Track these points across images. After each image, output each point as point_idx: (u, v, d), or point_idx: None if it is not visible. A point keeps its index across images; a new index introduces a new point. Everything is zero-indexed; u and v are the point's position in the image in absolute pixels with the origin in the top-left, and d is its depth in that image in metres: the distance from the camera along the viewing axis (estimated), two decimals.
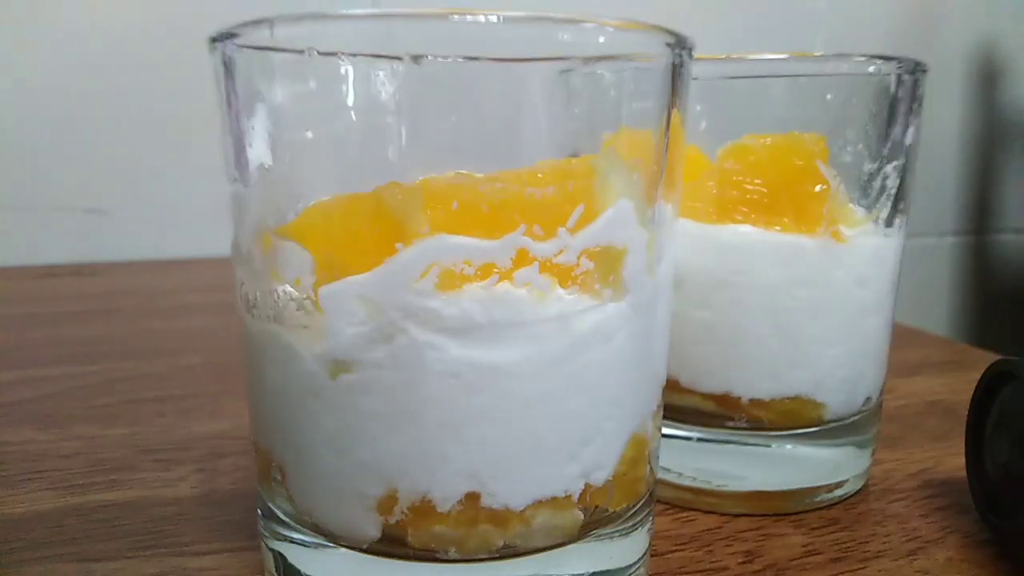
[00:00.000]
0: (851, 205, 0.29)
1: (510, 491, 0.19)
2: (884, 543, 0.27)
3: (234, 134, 0.20)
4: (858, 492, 0.30)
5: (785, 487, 0.29)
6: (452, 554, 0.20)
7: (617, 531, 0.22)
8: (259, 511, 0.23)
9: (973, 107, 1.02)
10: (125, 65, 0.72)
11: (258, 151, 0.20)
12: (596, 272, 0.19)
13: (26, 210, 0.71)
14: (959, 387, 0.42)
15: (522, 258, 0.18)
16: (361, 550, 0.20)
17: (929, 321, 0.99)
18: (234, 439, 0.34)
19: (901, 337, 0.38)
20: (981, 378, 0.28)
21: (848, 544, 0.27)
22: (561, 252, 0.19)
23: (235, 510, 0.28)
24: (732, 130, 0.29)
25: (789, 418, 0.29)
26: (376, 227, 0.18)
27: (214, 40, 0.19)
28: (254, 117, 0.19)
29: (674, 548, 0.26)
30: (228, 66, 0.19)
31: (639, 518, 0.22)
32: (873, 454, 0.31)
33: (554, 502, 0.20)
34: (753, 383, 0.28)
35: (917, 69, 0.28)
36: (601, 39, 0.20)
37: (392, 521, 0.19)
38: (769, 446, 0.29)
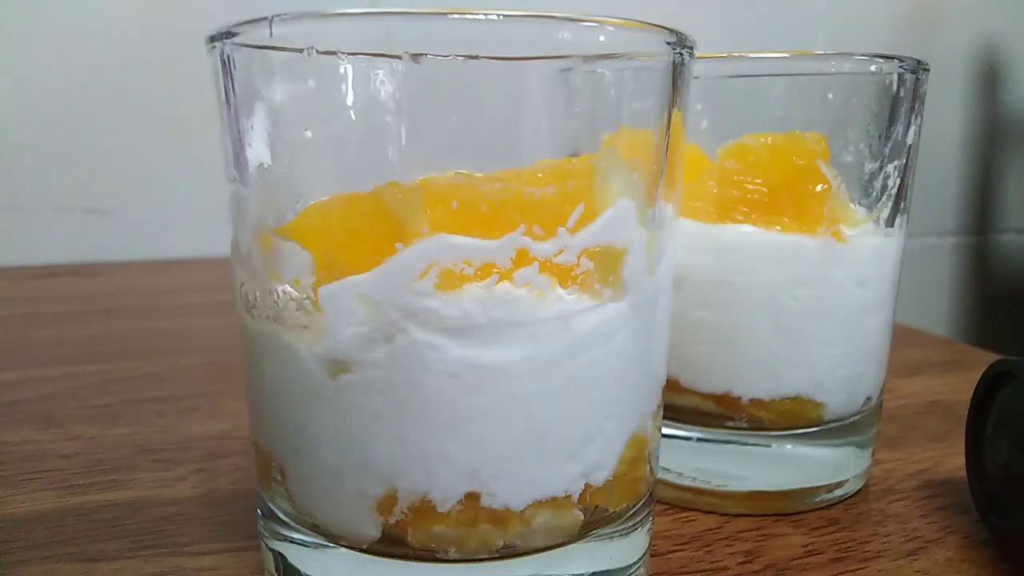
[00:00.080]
0: (852, 205, 0.29)
1: (510, 491, 0.19)
2: (884, 543, 0.27)
3: (233, 134, 0.20)
4: (858, 492, 0.30)
5: (785, 487, 0.29)
6: (452, 554, 0.20)
7: (617, 531, 0.22)
8: (259, 511, 0.23)
9: (974, 107, 1.02)
10: (125, 65, 0.72)
11: (257, 151, 0.20)
12: (596, 272, 0.19)
13: (26, 210, 0.71)
14: (959, 387, 0.42)
15: (522, 258, 0.18)
16: (361, 550, 0.20)
17: (929, 321, 0.99)
18: (234, 439, 0.34)
19: (901, 337, 0.38)
20: (981, 378, 0.28)
21: (848, 544, 0.27)
22: (561, 252, 0.19)
23: (235, 510, 0.28)
24: (733, 129, 0.29)
25: (789, 418, 0.29)
26: (376, 227, 0.18)
27: (213, 39, 0.19)
28: (253, 116, 0.19)
29: (674, 548, 0.26)
30: (227, 65, 0.19)
31: (639, 518, 0.22)
32: (873, 454, 0.31)
33: (554, 502, 0.20)
34: (753, 383, 0.28)
35: (919, 68, 0.28)
36: (601, 38, 0.20)
37: (392, 521, 0.19)
38: (769, 446, 0.29)
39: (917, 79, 0.28)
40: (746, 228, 0.28)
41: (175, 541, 0.26)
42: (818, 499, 0.29)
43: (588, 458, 0.20)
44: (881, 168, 0.29)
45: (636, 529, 0.22)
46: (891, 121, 0.28)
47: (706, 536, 0.27)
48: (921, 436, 0.36)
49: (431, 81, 0.18)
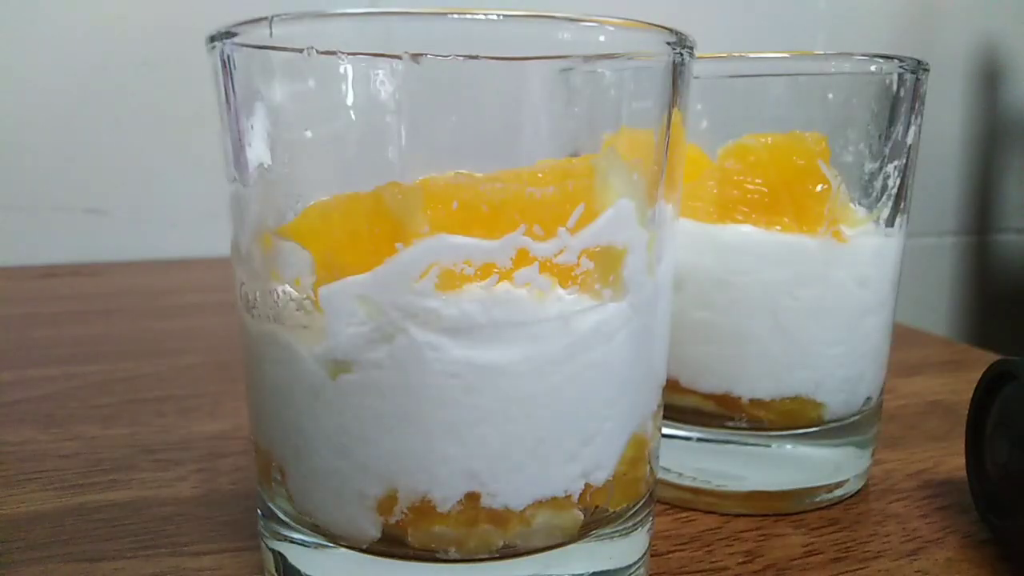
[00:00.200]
0: (852, 205, 0.29)
1: (510, 491, 0.19)
2: (884, 543, 0.27)
3: (233, 134, 0.20)
4: (858, 492, 0.30)
5: (785, 487, 0.29)
6: (452, 554, 0.20)
7: (617, 531, 0.22)
8: (259, 511, 0.23)
9: (974, 107, 1.02)
10: (125, 65, 0.72)
11: (257, 151, 0.20)
12: (596, 272, 0.19)
13: (26, 210, 0.71)
14: (959, 387, 0.42)
15: (522, 258, 0.18)
16: (361, 550, 0.20)
17: (929, 321, 0.99)
18: (234, 439, 0.34)
19: (901, 337, 0.38)
20: (981, 378, 0.28)
21: (848, 544, 0.27)
22: (561, 252, 0.19)
23: (235, 510, 0.28)
24: (733, 129, 0.29)
25: (789, 418, 0.29)
26: (376, 227, 0.18)
27: (213, 39, 0.19)
28: (253, 116, 0.19)
29: (674, 548, 0.26)
30: (227, 65, 0.19)
31: (639, 518, 0.22)
32: (873, 454, 0.31)
33: (554, 502, 0.20)
34: (753, 383, 0.28)
35: (919, 68, 0.28)
36: (601, 38, 0.20)
37: (392, 521, 0.19)
38: (769, 446, 0.29)
39: (917, 79, 0.28)
40: (746, 228, 0.28)
41: (175, 541, 0.26)
42: (818, 499, 0.29)
43: (588, 458, 0.20)
44: (881, 168, 0.29)
45: (636, 529, 0.22)
46: (891, 121, 0.28)
47: (706, 536, 0.27)
48: (921, 436, 0.36)
49: (431, 81, 0.18)
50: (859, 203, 0.29)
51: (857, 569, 0.25)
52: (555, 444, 0.20)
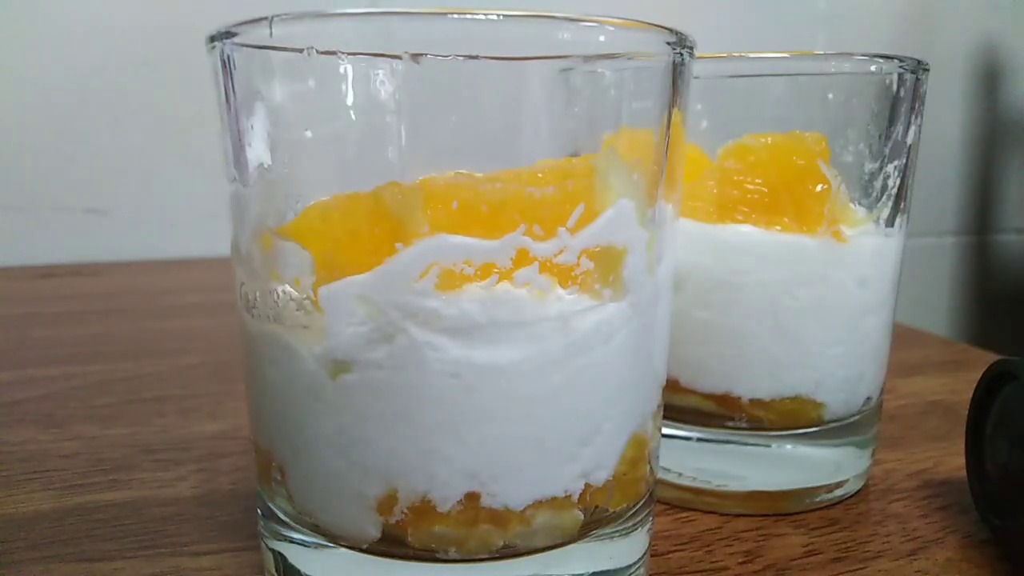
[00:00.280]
0: (852, 205, 0.29)
1: (510, 491, 0.19)
2: (884, 543, 0.27)
3: (233, 134, 0.20)
4: (858, 492, 0.30)
5: (785, 487, 0.29)
6: (452, 554, 0.20)
7: (617, 531, 0.22)
8: (259, 511, 0.23)
9: (974, 107, 1.02)
10: (125, 65, 0.72)
11: (257, 151, 0.20)
12: (596, 272, 0.19)
13: (26, 210, 0.71)
14: (959, 387, 0.42)
15: (522, 258, 0.18)
16: (361, 550, 0.20)
17: (929, 321, 0.99)
18: (234, 439, 0.34)
19: (901, 337, 0.38)
20: (981, 378, 0.28)
21: (848, 544, 0.27)
22: (561, 252, 0.19)
23: (235, 510, 0.28)
24: (733, 129, 0.29)
25: (789, 418, 0.29)
26: (376, 227, 0.18)
27: (213, 39, 0.19)
28: (253, 116, 0.19)
29: (674, 548, 0.26)
30: (227, 65, 0.19)
31: (639, 518, 0.22)
32: (873, 454, 0.31)
33: (554, 502, 0.20)
34: (753, 383, 0.28)
35: (919, 68, 0.28)
36: (601, 38, 0.20)
37: (392, 521, 0.19)
38: (769, 446, 0.29)
39: (917, 79, 0.28)
40: (746, 228, 0.28)
41: (175, 541, 0.26)
42: (818, 499, 0.29)
43: (588, 458, 0.20)
44: (881, 168, 0.29)
45: (636, 529, 0.22)
46: (891, 121, 0.28)
47: (706, 536, 0.27)
48: (921, 436, 0.36)
49: (431, 81, 0.18)
50: (859, 203, 0.29)
51: (857, 569, 0.25)
52: (555, 444, 0.20)
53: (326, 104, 0.19)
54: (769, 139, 0.28)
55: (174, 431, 0.35)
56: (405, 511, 0.19)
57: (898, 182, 0.29)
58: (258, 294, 0.20)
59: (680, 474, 0.29)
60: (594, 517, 0.21)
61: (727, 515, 0.28)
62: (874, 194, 0.29)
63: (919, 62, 0.28)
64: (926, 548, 0.27)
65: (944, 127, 1.00)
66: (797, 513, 0.29)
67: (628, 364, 0.21)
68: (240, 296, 0.21)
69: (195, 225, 0.73)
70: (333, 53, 0.17)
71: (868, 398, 0.30)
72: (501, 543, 0.20)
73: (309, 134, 0.20)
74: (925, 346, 0.53)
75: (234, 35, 0.19)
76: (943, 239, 1.04)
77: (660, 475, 0.28)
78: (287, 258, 0.19)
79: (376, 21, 0.19)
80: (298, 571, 0.21)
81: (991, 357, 0.34)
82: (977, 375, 0.28)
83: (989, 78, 1.01)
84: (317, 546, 0.21)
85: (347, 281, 0.18)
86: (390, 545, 0.20)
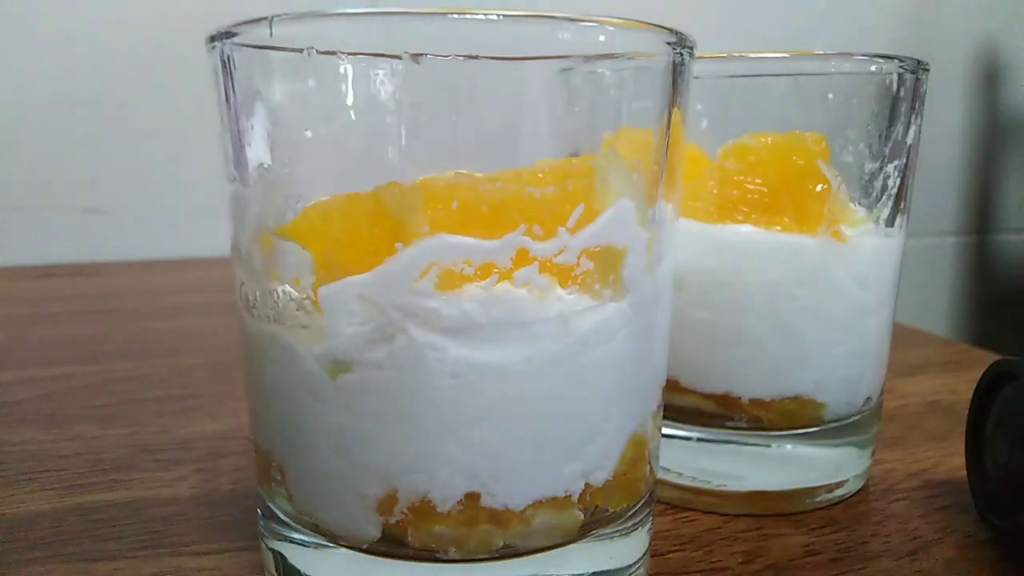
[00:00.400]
0: (852, 205, 0.29)
1: (510, 491, 0.19)
2: (884, 543, 0.27)
3: (233, 134, 0.20)
4: (858, 492, 0.30)
5: (785, 487, 0.29)
6: (452, 554, 0.20)
7: (617, 531, 0.22)
8: (259, 511, 0.23)
9: (974, 107, 1.02)
10: (125, 65, 0.72)
11: (257, 151, 0.20)
12: (596, 272, 0.19)
13: (26, 210, 0.71)
14: (959, 387, 0.42)
15: (522, 258, 0.18)
16: (361, 550, 0.20)
17: (929, 321, 0.99)
18: (234, 439, 0.34)
19: (901, 337, 0.38)
20: (981, 378, 0.28)
21: (848, 544, 0.27)
22: (561, 252, 0.19)
23: (235, 510, 0.28)
24: (733, 129, 0.29)
25: (789, 418, 0.29)
26: (376, 227, 0.18)
27: (213, 39, 0.19)
28: (253, 116, 0.19)
29: (674, 548, 0.26)
30: (227, 65, 0.19)
31: (639, 518, 0.22)
32: (873, 454, 0.31)
33: (554, 502, 0.20)
34: (753, 383, 0.28)
35: (919, 68, 0.28)
36: (601, 38, 0.20)
37: (392, 521, 0.19)
38: (769, 446, 0.29)
39: (917, 79, 0.28)
40: (746, 228, 0.28)
41: (175, 541, 0.26)
42: (818, 499, 0.29)
43: (588, 458, 0.20)
44: (881, 168, 0.29)
45: (636, 529, 0.22)
46: (891, 121, 0.28)
47: (706, 536, 0.27)
48: (921, 436, 0.36)
49: (431, 81, 0.18)
50: (859, 203, 0.29)
51: (857, 569, 0.25)
52: (555, 444, 0.20)
53: (326, 104, 0.19)
54: (769, 139, 0.28)
55: (174, 431, 0.35)
56: (405, 511, 0.19)
57: (898, 182, 0.29)
58: (258, 294, 0.20)
59: (680, 474, 0.29)
60: (594, 517, 0.21)
61: (727, 515, 0.28)
62: (874, 194, 0.29)
63: (919, 62, 0.28)
64: (926, 548, 0.27)
65: (944, 127, 1.00)
66: (797, 513, 0.29)
67: (628, 364, 0.21)
68: (240, 296, 0.21)
69: (195, 225, 0.73)
70: (333, 53, 0.17)
71: (868, 398, 0.30)
72: (501, 543, 0.20)
73: (309, 134, 0.20)
74: (925, 346, 0.53)
75: (234, 35, 0.19)
76: (943, 239, 1.04)
77: (660, 475, 0.28)
78: (287, 258, 0.19)
79: (376, 21, 0.19)
80: (298, 571, 0.21)
81: (991, 357, 0.34)
82: (977, 375, 0.28)
83: (989, 78, 1.01)
84: (317, 546, 0.21)
85: (347, 281, 0.18)
86: (390, 545, 0.20)
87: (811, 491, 0.29)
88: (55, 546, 0.26)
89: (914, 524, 0.28)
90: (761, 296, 0.28)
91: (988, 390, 0.28)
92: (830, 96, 0.29)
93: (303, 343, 0.19)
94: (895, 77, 0.28)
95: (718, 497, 0.29)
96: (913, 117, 0.29)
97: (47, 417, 0.36)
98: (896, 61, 0.28)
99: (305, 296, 0.19)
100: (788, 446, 0.29)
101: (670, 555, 0.26)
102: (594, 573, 0.21)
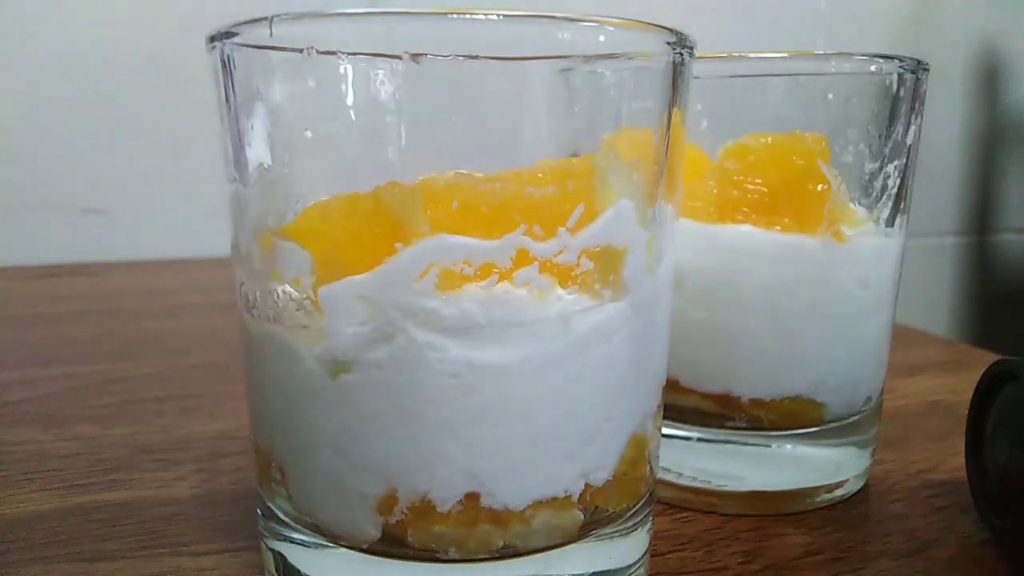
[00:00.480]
0: (852, 205, 0.29)
1: (510, 491, 0.19)
2: (884, 543, 0.27)
3: (233, 134, 0.20)
4: (858, 492, 0.30)
5: (785, 487, 0.29)
6: (452, 554, 0.20)
7: (617, 531, 0.22)
8: (259, 511, 0.23)
9: (974, 107, 1.02)
10: (125, 65, 0.72)
11: (257, 151, 0.20)
12: (596, 272, 0.19)
13: (26, 210, 0.71)
14: (959, 387, 0.42)
15: (522, 258, 0.18)
16: (361, 550, 0.20)
17: (929, 321, 0.99)
18: (234, 439, 0.34)
19: (901, 337, 0.38)
20: (981, 378, 0.28)
21: (848, 544, 0.27)
22: (561, 252, 0.19)
23: (235, 510, 0.28)
24: (733, 129, 0.29)
25: (789, 418, 0.29)
26: (376, 227, 0.18)
27: (213, 39, 0.19)
28: (253, 116, 0.19)
29: (674, 548, 0.26)
30: (227, 65, 0.19)
31: (639, 518, 0.22)
32: (873, 454, 0.31)
33: (554, 502, 0.20)
34: (753, 383, 0.28)
35: (919, 68, 0.28)
36: (601, 38, 0.20)
37: (392, 521, 0.19)
38: (769, 446, 0.29)
39: (917, 79, 0.28)
40: (746, 228, 0.28)
41: (175, 541, 0.26)
42: (818, 499, 0.29)
43: (588, 458, 0.20)
44: (881, 168, 0.29)
45: (636, 529, 0.22)
46: (891, 121, 0.28)
47: (706, 536, 0.27)
48: (921, 436, 0.36)
49: (431, 81, 0.18)
50: (859, 203, 0.29)
51: (857, 569, 0.25)
52: (555, 444, 0.20)
53: (326, 104, 0.19)
54: (769, 139, 0.28)
55: (174, 431, 0.35)
56: (405, 511, 0.19)
57: (898, 182, 0.29)
58: (258, 294, 0.20)
59: (680, 474, 0.29)
60: (594, 517, 0.21)
61: (727, 515, 0.28)
62: (874, 194, 0.29)
63: (919, 62, 0.28)
64: (926, 548, 0.27)
65: (944, 127, 1.00)
66: (797, 513, 0.29)
67: (628, 364, 0.21)
68: (240, 296, 0.21)
69: (195, 225, 0.73)
70: (333, 53, 0.17)
71: (868, 398, 0.30)
72: (501, 543, 0.20)
73: (309, 134, 0.20)
74: (925, 346, 0.53)
75: (234, 35, 0.19)
76: (943, 239, 1.04)
77: (660, 475, 0.28)
78: (287, 258, 0.19)
79: (376, 21, 0.19)
80: (298, 571, 0.21)
81: (991, 357, 0.34)
82: (977, 375, 0.28)
83: (989, 78, 1.01)
84: (317, 546, 0.21)
85: (347, 281, 0.18)
86: (390, 545, 0.20)
87: (811, 491, 0.29)
88: (55, 546, 0.26)
89: (914, 524, 0.28)
90: (761, 296, 0.28)
91: (988, 390, 0.28)
92: (830, 96, 0.29)
93: (303, 343, 0.19)
94: (895, 77, 0.28)
95: (718, 497, 0.29)
96: (913, 117, 0.29)
97: (47, 417, 0.36)
98: (896, 61, 0.28)
99: (305, 296, 0.19)
100: (788, 446, 0.29)
101: (670, 555, 0.26)
102: (594, 573, 0.21)
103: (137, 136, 0.73)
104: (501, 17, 0.18)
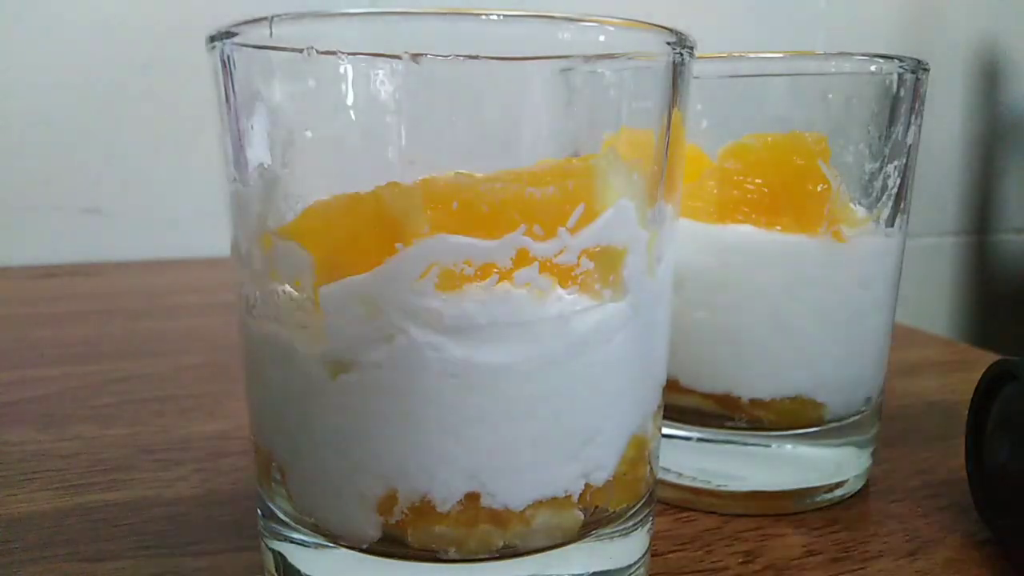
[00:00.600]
0: (852, 205, 0.29)
1: (510, 491, 0.19)
2: (884, 543, 0.27)
3: (233, 134, 0.20)
4: (858, 492, 0.30)
5: (785, 487, 0.29)
6: (452, 554, 0.20)
7: (617, 531, 0.22)
8: (259, 511, 0.23)
9: (974, 107, 1.02)
10: (125, 65, 0.72)
11: (257, 151, 0.20)
12: (596, 272, 0.19)
13: (26, 210, 0.71)
14: (959, 387, 0.42)
15: (522, 258, 0.18)
16: (361, 550, 0.20)
17: (929, 321, 0.99)
18: (234, 439, 0.34)
19: (901, 337, 0.38)
20: (981, 378, 0.28)
21: (848, 544, 0.27)
22: (561, 252, 0.19)
23: (235, 510, 0.28)
24: (733, 129, 0.29)
25: (789, 418, 0.29)
26: (376, 227, 0.18)
27: (213, 39, 0.19)
28: (253, 116, 0.19)
29: (674, 548, 0.26)
30: (227, 65, 0.19)
31: (639, 518, 0.22)
32: (873, 454, 0.31)
33: (554, 502, 0.20)
34: (753, 383, 0.28)
35: (919, 68, 0.28)
36: (601, 38, 0.20)
37: (392, 521, 0.19)
38: (769, 446, 0.29)
39: (917, 79, 0.28)
40: (746, 228, 0.28)
41: (175, 541, 0.26)
42: (818, 499, 0.29)
43: (588, 458, 0.20)
44: (881, 168, 0.29)
45: (636, 529, 0.22)
46: (891, 121, 0.28)
47: (706, 536, 0.27)
48: (921, 436, 0.36)
49: (431, 81, 0.18)
50: (859, 203, 0.29)
51: (857, 569, 0.25)
52: (555, 444, 0.20)
53: (326, 104, 0.19)
54: (769, 139, 0.28)
55: (174, 431, 0.35)
56: (405, 511, 0.19)
57: (898, 182, 0.29)
58: (258, 294, 0.20)
59: (680, 474, 0.29)
60: (594, 517, 0.21)
61: (727, 515, 0.28)
62: (874, 194, 0.29)
63: (919, 62, 0.28)
64: (926, 548, 0.27)
65: (944, 127, 1.00)
66: (797, 513, 0.29)
67: (628, 364, 0.21)
68: (240, 296, 0.21)
69: (195, 225, 0.73)
70: (333, 53, 0.17)
71: (868, 398, 0.30)
72: (501, 543, 0.20)
73: (309, 134, 0.20)
74: (925, 346, 0.53)
75: (234, 35, 0.19)
76: (943, 239, 1.04)
77: (660, 475, 0.28)
78: (287, 258, 0.19)
79: (376, 21, 0.19)
80: (298, 571, 0.21)
81: (991, 357, 0.34)
82: (977, 375, 0.28)
83: (989, 78, 1.01)
84: (317, 546, 0.21)
85: (347, 281, 0.18)
86: (390, 545, 0.20)
87: (811, 491, 0.29)
88: (55, 546, 0.26)
89: (914, 524, 0.28)
90: (761, 296, 0.28)
91: (988, 390, 0.28)
92: (830, 96, 0.29)
93: (303, 343, 0.19)
94: (895, 77, 0.28)
95: (718, 497, 0.29)
96: (913, 117, 0.29)
97: (47, 417, 0.36)
98: (896, 61, 0.28)
99: (305, 296, 0.19)
100: (788, 446, 0.29)
101: (670, 555, 0.26)
102: (594, 573, 0.21)
103: (137, 136, 0.73)
104: (501, 17, 0.18)
